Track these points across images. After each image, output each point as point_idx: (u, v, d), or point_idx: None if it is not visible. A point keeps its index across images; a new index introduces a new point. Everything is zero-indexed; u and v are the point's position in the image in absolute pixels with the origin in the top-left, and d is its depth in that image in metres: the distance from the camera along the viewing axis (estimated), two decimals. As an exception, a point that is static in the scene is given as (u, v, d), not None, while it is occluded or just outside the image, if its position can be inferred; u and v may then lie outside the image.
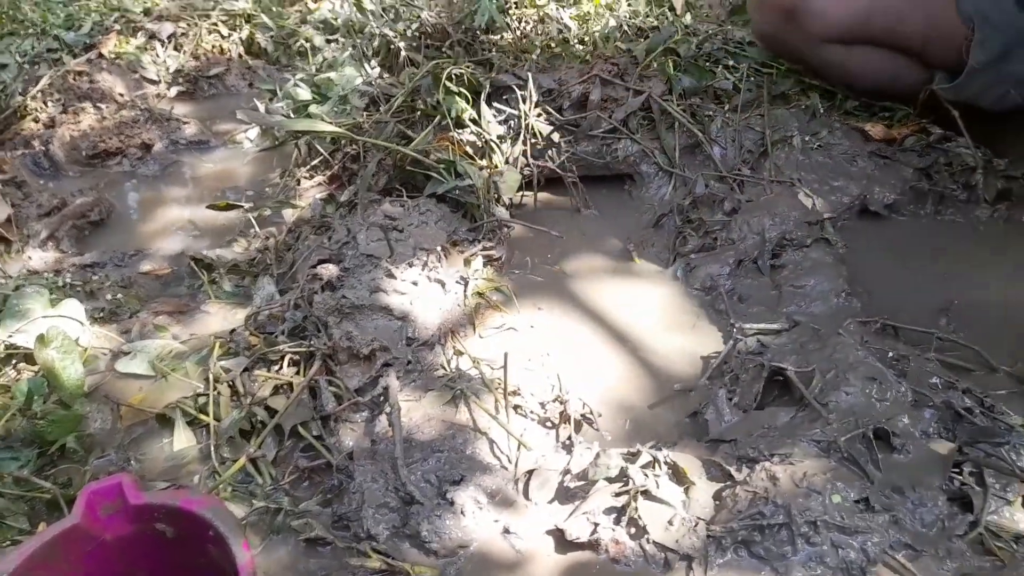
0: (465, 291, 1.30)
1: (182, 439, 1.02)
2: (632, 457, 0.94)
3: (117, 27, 2.30)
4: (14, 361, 1.15)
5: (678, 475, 0.92)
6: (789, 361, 1.07)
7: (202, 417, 1.05)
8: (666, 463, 0.93)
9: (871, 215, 1.45)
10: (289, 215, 1.58)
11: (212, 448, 1.00)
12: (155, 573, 0.78)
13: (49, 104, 2.00)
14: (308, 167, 1.70)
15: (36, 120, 1.96)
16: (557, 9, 1.88)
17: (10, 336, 1.15)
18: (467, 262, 1.36)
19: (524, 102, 1.59)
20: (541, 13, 1.90)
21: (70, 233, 1.57)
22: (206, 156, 1.92)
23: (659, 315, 1.30)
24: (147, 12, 2.41)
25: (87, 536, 0.72)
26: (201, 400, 1.07)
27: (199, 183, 1.81)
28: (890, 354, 1.06)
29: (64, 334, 1.10)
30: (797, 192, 1.43)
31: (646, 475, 0.90)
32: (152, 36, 2.30)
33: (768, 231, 1.37)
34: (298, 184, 1.67)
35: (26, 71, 2.11)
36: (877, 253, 1.39)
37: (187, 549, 0.74)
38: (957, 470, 0.91)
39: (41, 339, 1.07)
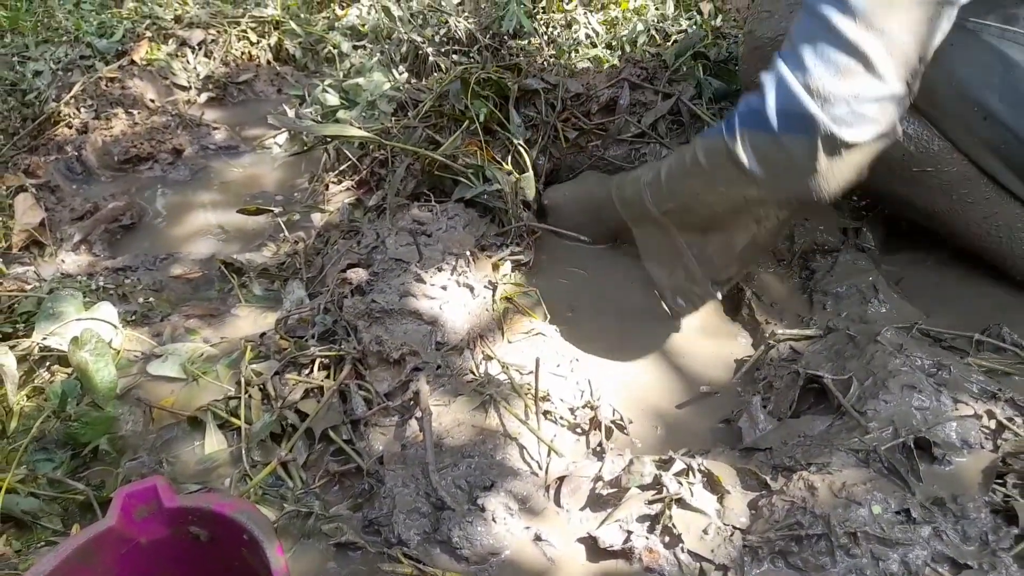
0: (494, 296, 1.29)
1: (213, 442, 1.03)
2: (665, 464, 0.93)
3: (148, 34, 2.32)
4: (48, 363, 1.16)
5: (712, 483, 0.90)
6: (825, 368, 1.05)
7: (233, 420, 1.05)
8: (700, 471, 0.91)
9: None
10: (318, 219, 1.59)
11: (243, 451, 1.00)
12: (189, 576, 0.78)
13: (82, 110, 2.03)
14: (336, 172, 1.71)
15: (69, 126, 1.99)
16: (585, 14, 1.88)
17: (44, 338, 1.16)
18: (495, 267, 1.35)
19: (552, 107, 1.58)
20: (569, 17, 1.89)
21: (102, 237, 1.59)
22: (235, 161, 1.93)
23: (690, 319, 1.29)
24: (178, 19, 2.44)
25: (121, 539, 0.72)
26: (232, 403, 1.08)
27: (228, 188, 1.82)
28: (928, 361, 1.04)
29: (98, 336, 1.11)
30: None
31: (680, 483, 0.89)
32: (183, 43, 2.32)
33: (798, 237, 1.35)
34: (326, 189, 1.68)
35: (60, 77, 2.14)
36: (911, 257, 1.37)
37: (221, 553, 0.74)
38: (1000, 481, 0.89)
39: (75, 341, 1.08)
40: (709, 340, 1.24)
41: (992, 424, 0.95)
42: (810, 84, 0.93)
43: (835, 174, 0.98)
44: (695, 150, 1.09)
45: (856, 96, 0.92)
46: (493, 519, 0.89)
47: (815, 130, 0.94)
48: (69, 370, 1.14)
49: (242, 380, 1.09)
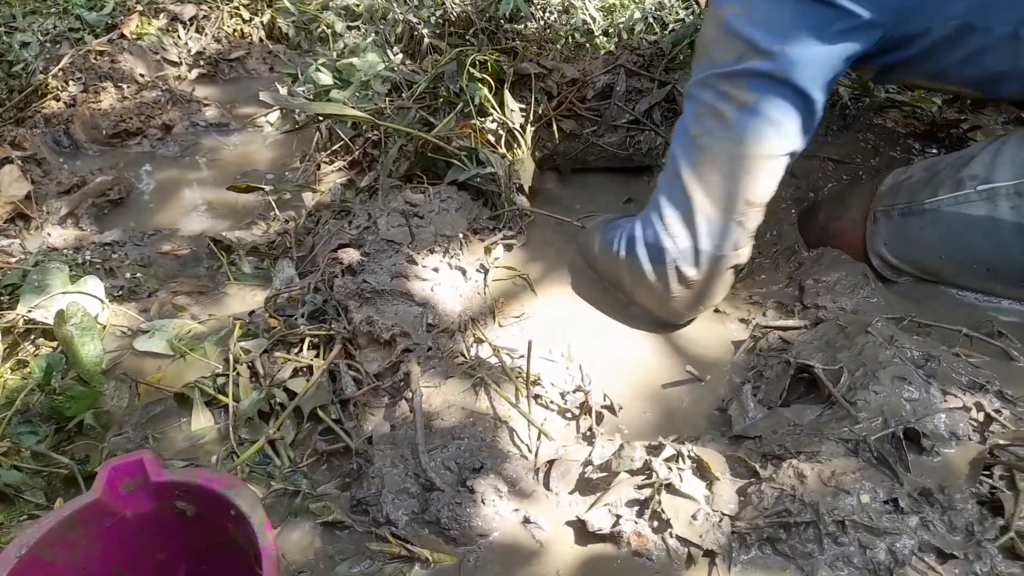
0: (485, 279, 1.28)
1: (200, 419, 1.02)
2: (655, 450, 0.92)
3: (139, 8, 2.29)
4: (33, 336, 1.15)
5: (702, 470, 0.90)
6: (815, 359, 1.05)
7: (221, 398, 1.04)
8: (690, 457, 0.91)
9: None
10: (309, 199, 1.57)
11: (230, 429, 0.99)
12: (174, 551, 0.77)
13: (70, 83, 1.99)
14: (328, 152, 1.69)
15: (57, 99, 1.96)
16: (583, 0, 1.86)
17: (29, 311, 1.14)
18: (488, 250, 1.35)
19: (547, 92, 1.57)
20: (566, 3, 1.87)
21: (89, 211, 1.57)
22: (226, 138, 1.91)
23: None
24: (169, -7, 2.40)
25: (107, 512, 0.72)
26: (220, 380, 1.07)
27: (219, 165, 1.80)
28: (918, 353, 1.04)
29: (84, 310, 1.09)
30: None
31: (670, 469, 0.89)
32: (174, 18, 2.29)
33: (784, 234, 1.36)
34: (318, 169, 1.66)
35: (48, 50, 2.10)
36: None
37: (207, 528, 0.73)
38: (987, 473, 0.89)
39: (60, 315, 1.07)
40: (703, 323, 1.24)
41: (980, 416, 0.95)
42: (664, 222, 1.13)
43: (684, 301, 1.17)
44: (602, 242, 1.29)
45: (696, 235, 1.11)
46: (482, 501, 0.89)
47: (665, 262, 1.13)
48: (54, 344, 1.13)
49: (230, 357, 1.08)
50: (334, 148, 1.69)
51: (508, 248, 1.41)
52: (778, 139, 1.06)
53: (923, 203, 1.17)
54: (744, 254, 1.15)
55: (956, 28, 1.03)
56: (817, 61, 1.02)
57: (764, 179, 1.09)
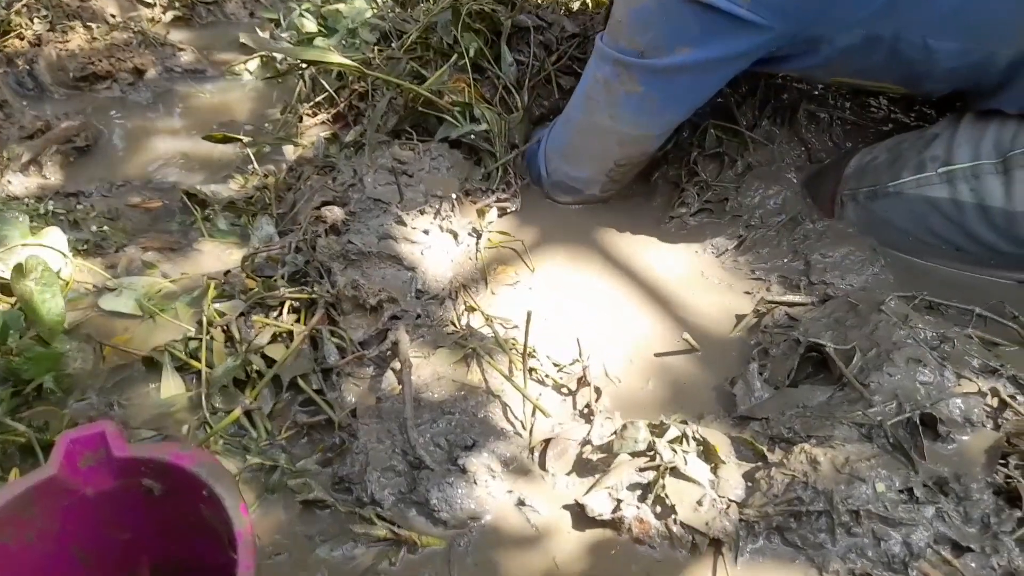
0: (478, 244, 1.22)
1: (170, 386, 0.94)
2: (658, 430, 0.87)
3: (110, -57, 2.14)
4: (-11, 291, 1.06)
5: (708, 452, 0.85)
6: (825, 337, 1.00)
7: (193, 363, 0.97)
8: (695, 439, 0.86)
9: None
10: (290, 153, 1.48)
11: (203, 397, 0.92)
12: (139, 532, 0.70)
13: (35, 21, 1.87)
14: (311, 103, 1.60)
15: (21, 37, 1.83)
16: (585, -50, 1.76)
17: (-15, 264, 1.05)
18: (480, 213, 1.27)
19: (547, 47, 1.49)
20: (567, -47, 1.77)
21: (54, 159, 1.47)
22: (202, 86, 1.80)
23: (682, 274, 1.23)
24: (143, -71, 2.25)
25: (65, 489, 0.65)
26: (192, 344, 0.99)
27: (194, 114, 1.69)
28: (931, 333, 1.00)
29: (45, 264, 1.00)
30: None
31: (674, 451, 0.84)
32: (148, -45, 2.15)
33: (788, 202, 1.30)
34: (300, 121, 1.57)
35: (11, -16, 1.97)
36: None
37: (176, 508, 0.66)
38: (1003, 462, 0.85)
39: (19, 269, 0.98)
40: (705, 295, 1.19)
41: (994, 402, 0.91)
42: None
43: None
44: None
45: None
46: (474, 481, 0.83)
47: (543, 184, 1.40)
48: (12, 300, 1.04)
49: (204, 320, 1.00)
50: (317, 100, 1.60)
51: (502, 212, 1.34)
52: (656, 126, 1.20)
53: (887, 186, 1.19)
54: (609, 194, 1.37)
55: (863, 37, 1.03)
56: (713, 64, 1.08)
57: (635, 149, 1.25)
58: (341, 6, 1.73)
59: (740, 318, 1.15)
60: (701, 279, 1.23)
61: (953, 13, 0.98)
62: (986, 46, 1.02)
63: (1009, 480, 0.83)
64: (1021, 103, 1.09)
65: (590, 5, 1.71)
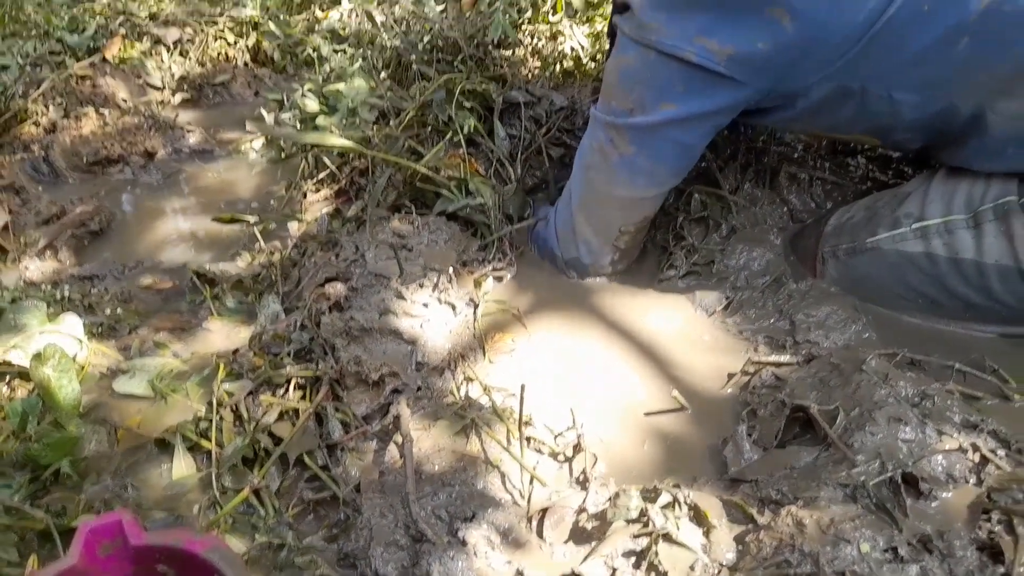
0: (475, 313, 1.27)
1: (182, 467, 0.98)
2: (651, 495, 0.90)
3: (122, 31, 2.26)
4: (8, 378, 1.11)
5: (699, 517, 0.88)
6: (810, 398, 1.03)
7: (203, 443, 1.01)
8: (687, 503, 0.89)
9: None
10: (295, 229, 1.55)
11: (213, 477, 0.96)
12: (154, 616, 0.74)
13: (50, 108, 1.96)
14: (315, 180, 1.67)
15: (37, 124, 1.92)
16: (570, 26, 1.86)
17: (5, 352, 1.11)
18: (477, 283, 1.33)
19: (537, 121, 1.57)
20: (554, 30, 1.87)
21: (69, 242, 1.53)
22: (210, 165, 1.88)
23: (674, 334, 1.27)
24: (153, 17, 2.38)
25: (84, 577, 0.69)
26: (203, 425, 1.03)
27: (202, 193, 1.77)
28: (912, 391, 1.03)
29: (61, 351, 1.06)
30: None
31: (666, 517, 0.87)
32: (157, 41, 2.26)
33: (771, 263, 1.35)
34: (304, 197, 1.64)
35: (28, 73, 2.07)
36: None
37: (189, 592, 0.70)
38: (986, 517, 0.88)
39: (38, 357, 1.04)
40: (696, 355, 1.23)
41: (976, 457, 0.94)
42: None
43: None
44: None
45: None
46: (474, 553, 0.86)
47: (555, 262, 1.44)
48: (31, 385, 1.09)
49: (214, 400, 1.05)
50: (320, 176, 1.67)
51: (498, 280, 1.39)
52: (650, 185, 1.25)
53: (865, 242, 1.24)
54: (622, 267, 1.41)
55: (833, 90, 1.10)
56: (696, 119, 1.14)
57: (636, 214, 1.32)
58: (341, 86, 1.82)
59: (731, 376, 1.19)
60: (692, 340, 1.27)
61: (912, 67, 1.04)
62: (945, 98, 1.09)
63: (992, 536, 0.85)
64: (987, 161, 1.14)
65: (578, 77, 1.80)
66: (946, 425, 0.97)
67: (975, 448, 0.94)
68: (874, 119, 1.15)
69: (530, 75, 1.79)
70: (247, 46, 2.36)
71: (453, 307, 1.23)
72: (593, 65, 1.83)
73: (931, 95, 1.08)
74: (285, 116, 1.91)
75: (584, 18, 1.89)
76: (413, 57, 1.78)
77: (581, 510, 0.92)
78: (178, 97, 2.16)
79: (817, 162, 1.52)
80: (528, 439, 1.02)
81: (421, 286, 1.23)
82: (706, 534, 0.87)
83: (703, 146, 1.22)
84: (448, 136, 1.52)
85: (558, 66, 1.82)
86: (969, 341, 1.21)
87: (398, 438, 0.99)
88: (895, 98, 1.08)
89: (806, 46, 1.02)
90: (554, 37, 1.87)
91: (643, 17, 1.09)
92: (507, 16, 1.76)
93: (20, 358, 1.10)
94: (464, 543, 0.86)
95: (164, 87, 2.17)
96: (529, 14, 1.88)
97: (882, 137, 1.24)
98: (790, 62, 1.05)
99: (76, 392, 1.05)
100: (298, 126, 1.85)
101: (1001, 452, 0.94)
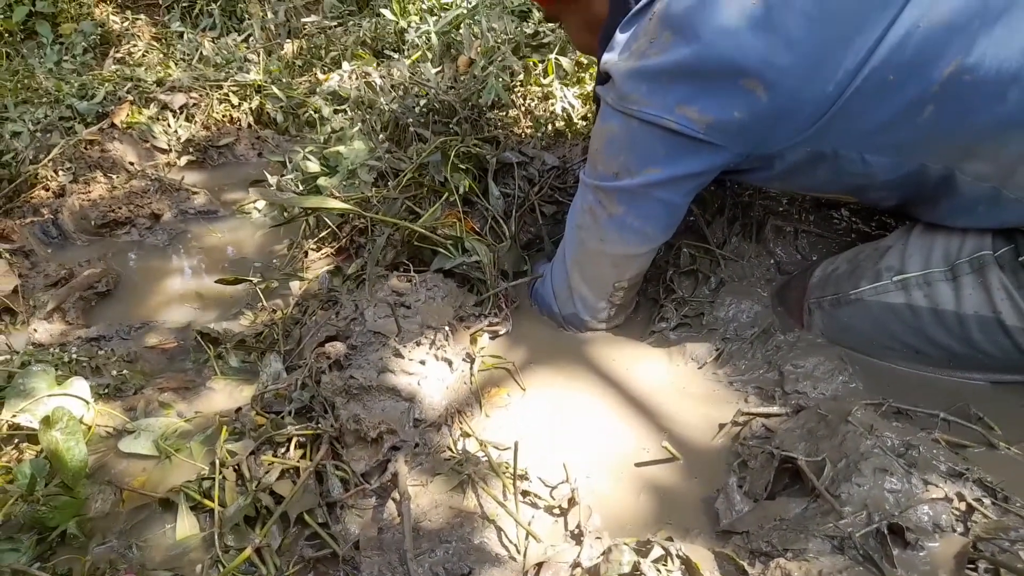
0: (471, 369, 1.30)
1: (185, 526, 1.01)
2: (644, 549, 0.92)
3: (130, 97, 2.35)
4: (16, 441, 1.14)
5: (690, 571, 0.90)
6: (798, 449, 1.06)
7: (206, 502, 1.03)
8: (679, 556, 0.91)
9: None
10: (296, 287, 1.59)
11: (216, 536, 0.98)
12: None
13: (60, 172, 2.03)
14: (316, 239, 1.72)
15: (46, 188, 1.99)
16: (561, 87, 1.93)
17: (14, 416, 1.14)
18: (473, 339, 1.36)
19: (529, 180, 1.62)
20: (545, 91, 1.95)
21: (77, 305, 1.58)
22: (214, 225, 1.94)
23: (665, 386, 1.30)
24: (160, 83, 2.47)
25: (90, 639, 0.71)
26: (206, 484, 1.06)
27: (207, 253, 1.82)
28: (898, 441, 1.06)
29: (70, 414, 1.09)
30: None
31: (659, 571, 0.89)
32: (164, 106, 2.35)
33: (759, 315, 1.39)
34: (306, 256, 1.69)
35: (38, 139, 2.15)
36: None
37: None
38: (972, 566, 0.90)
39: (46, 420, 1.07)
40: (688, 405, 1.25)
41: (962, 506, 0.96)
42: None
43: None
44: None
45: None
46: (471, 609, 0.88)
47: (554, 317, 1.48)
48: (38, 447, 1.12)
49: (216, 461, 1.07)
50: (321, 235, 1.73)
51: (493, 336, 1.42)
52: (640, 242, 1.30)
53: (849, 294, 1.28)
54: (619, 321, 1.46)
55: (808, 153, 1.15)
56: (680, 180, 1.19)
57: (629, 269, 1.36)
58: (341, 148, 1.89)
59: (722, 427, 1.22)
60: (683, 391, 1.30)
61: (881, 131, 1.10)
62: (916, 160, 1.14)
63: (979, 585, 0.87)
64: (959, 218, 1.19)
65: (569, 136, 1.87)
66: (932, 474, 0.99)
67: (961, 497, 0.96)
68: (849, 180, 1.20)
69: (523, 135, 1.86)
70: (251, 108, 2.45)
71: (450, 363, 1.27)
72: (583, 123, 1.90)
73: (902, 158, 1.13)
74: (288, 177, 1.97)
75: (575, 79, 1.97)
76: (410, 120, 1.85)
77: (576, 565, 0.94)
78: (184, 159, 2.23)
79: (802, 215, 1.57)
80: (524, 493, 1.04)
81: (418, 344, 1.27)
82: (698, 587, 0.89)
83: (688, 203, 1.28)
84: (444, 196, 1.58)
85: (550, 126, 1.89)
86: (955, 388, 1.24)
87: (396, 495, 1.01)
88: (868, 160, 1.14)
89: (780, 114, 1.08)
90: (546, 98, 1.94)
91: (624, 88, 1.15)
92: (500, 80, 1.83)
93: (29, 421, 1.13)
94: (461, 600, 0.88)
95: (170, 150, 2.25)
96: (522, 76, 1.96)
97: (858, 196, 1.29)
98: (766, 129, 1.11)
99: (83, 454, 1.07)
100: (300, 187, 1.91)
101: (987, 501, 0.96)
